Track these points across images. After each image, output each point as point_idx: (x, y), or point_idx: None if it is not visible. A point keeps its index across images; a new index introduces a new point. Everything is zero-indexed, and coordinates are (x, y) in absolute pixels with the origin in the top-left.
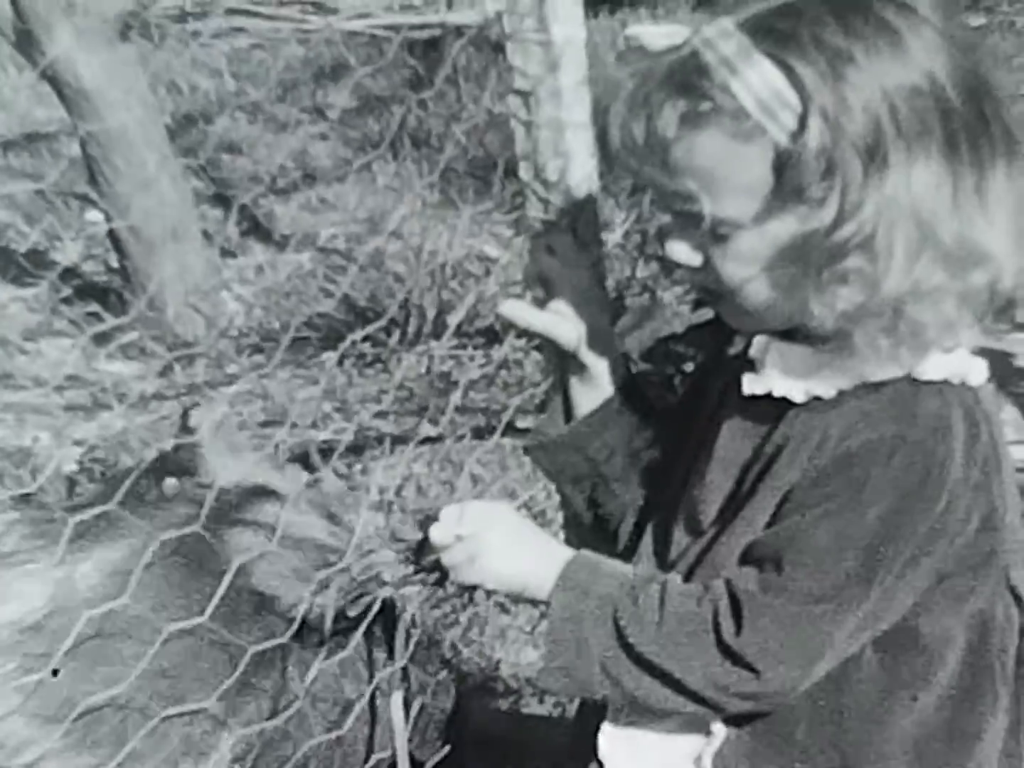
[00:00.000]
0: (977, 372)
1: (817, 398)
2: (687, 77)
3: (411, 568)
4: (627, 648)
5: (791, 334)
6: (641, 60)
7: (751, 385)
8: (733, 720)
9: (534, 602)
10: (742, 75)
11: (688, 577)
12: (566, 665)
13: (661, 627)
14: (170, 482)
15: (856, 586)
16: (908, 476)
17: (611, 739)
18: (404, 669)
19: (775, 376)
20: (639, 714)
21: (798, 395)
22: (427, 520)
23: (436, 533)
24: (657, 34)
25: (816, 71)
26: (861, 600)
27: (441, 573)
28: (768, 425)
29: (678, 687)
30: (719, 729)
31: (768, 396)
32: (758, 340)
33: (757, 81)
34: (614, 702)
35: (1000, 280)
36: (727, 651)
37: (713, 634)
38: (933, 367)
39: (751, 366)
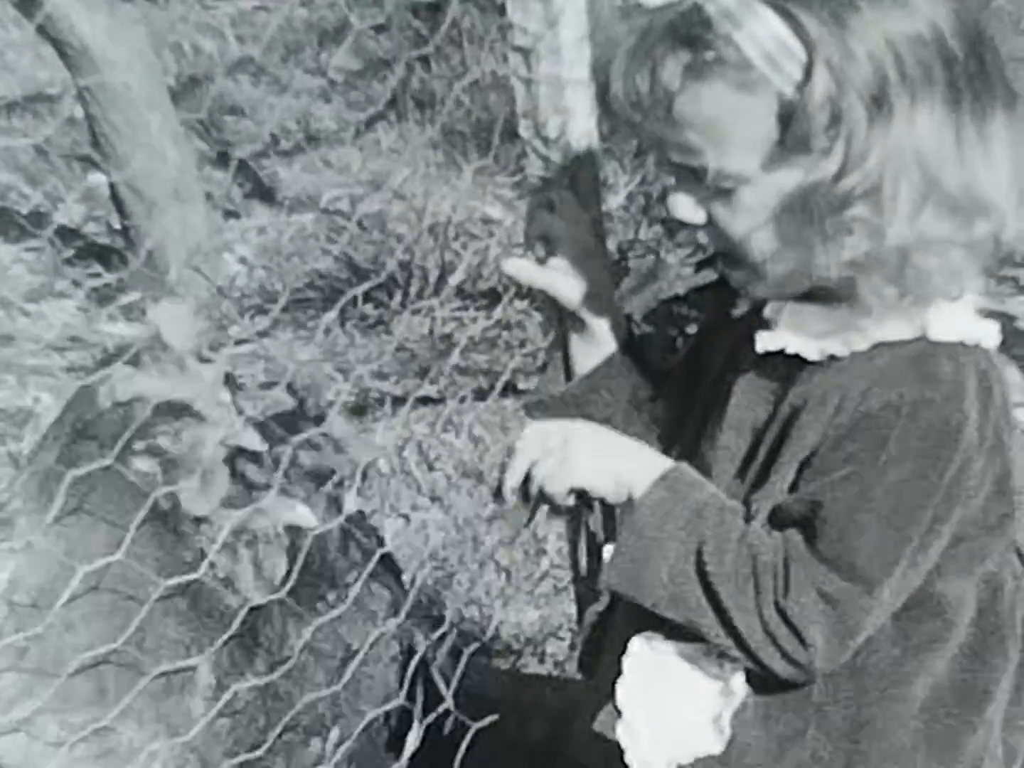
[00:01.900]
0: (990, 334)
1: (832, 357)
2: (690, 29)
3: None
4: (700, 568)
5: (805, 296)
6: (640, 16)
7: (765, 343)
8: (752, 679)
9: (624, 507)
10: (745, 26)
11: None
12: (637, 561)
13: (737, 560)
14: None
15: (886, 556)
16: (926, 438)
17: (629, 690)
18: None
19: (789, 334)
20: (671, 641)
21: (812, 353)
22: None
23: (522, 444)
24: None
25: (820, 20)
26: (892, 570)
27: (530, 509)
28: (781, 384)
29: (730, 626)
30: (739, 687)
31: (781, 354)
32: (773, 301)
33: (761, 31)
34: (659, 611)
35: (1003, 230)
36: (779, 609)
37: (772, 585)
38: (948, 328)
39: (764, 325)
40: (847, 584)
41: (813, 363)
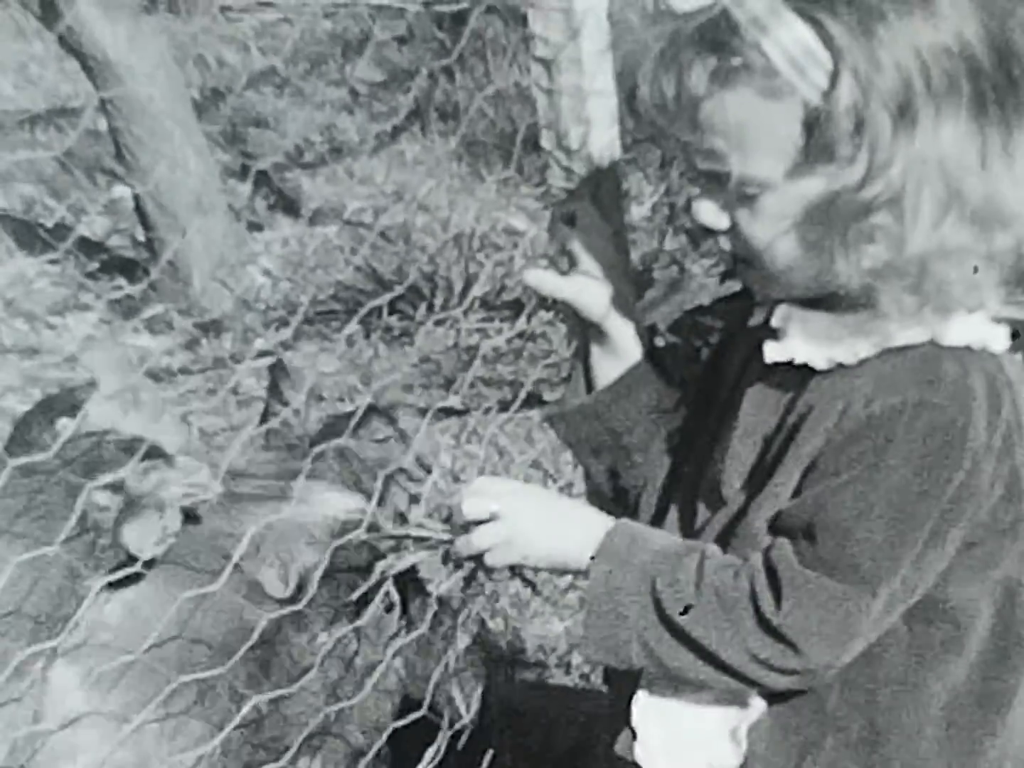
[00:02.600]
0: (999, 339)
1: (840, 365)
2: (717, 35)
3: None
4: (665, 620)
5: (815, 302)
6: (669, 21)
7: (773, 353)
8: (766, 691)
9: (575, 573)
10: (772, 32)
11: (720, 548)
12: (604, 636)
13: (699, 600)
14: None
15: (887, 558)
16: (930, 441)
17: (644, 709)
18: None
19: (797, 343)
20: (674, 685)
21: (820, 362)
22: (452, 512)
23: (468, 507)
24: None
25: (847, 28)
26: (893, 572)
27: (475, 563)
28: (791, 394)
29: (716, 661)
30: (754, 700)
31: (790, 364)
32: (781, 308)
33: (787, 38)
34: (650, 673)
35: None
36: (767, 626)
37: (752, 608)
38: (955, 333)
39: (773, 335)
40: (846, 586)
41: (821, 371)
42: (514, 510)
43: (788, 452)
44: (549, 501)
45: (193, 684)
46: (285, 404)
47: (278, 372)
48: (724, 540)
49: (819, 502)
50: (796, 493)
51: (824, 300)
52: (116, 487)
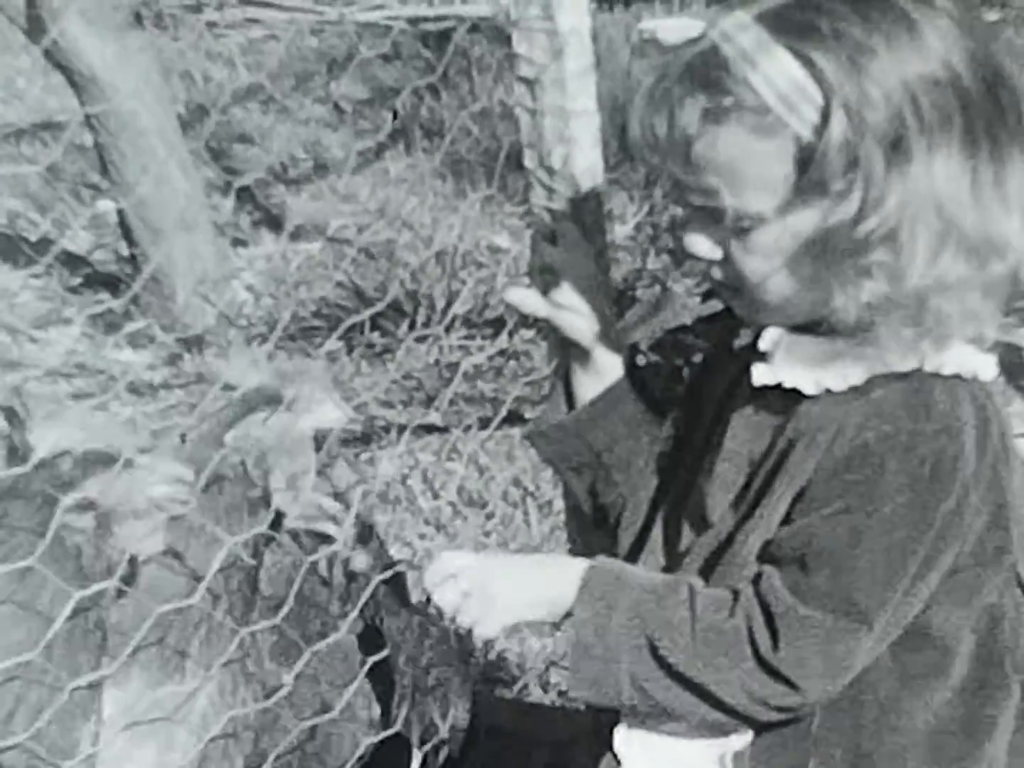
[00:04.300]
0: (988, 368)
1: (828, 390)
2: (707, 72)
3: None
4: (660, 661)
5: (805, 327)
6: (657, 54)
7: (761, 376)
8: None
9: (561, 619)
10: (762, 69)
11: (706, 574)
12: (595, 676)
13: (695, 640)
14: None
15: (881, 590)
16: (921, 471)
17: (627, 736)
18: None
19: (785, 367)
20: (657, 718)
21: (809, 386)
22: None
23: (430, 576)
24: (672, 28)
25: (837, 63)
26: (887, 604)
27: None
28: (778, 417)
29: (713, 700)
30: (740, 726)
31: (778, 388)
32: (770, 332)
33: (777, 75)
34: (639, 710)
35: (1021, 269)
36: (766, 667)
37: (749, 648)
38: (945, 362)
39: (761, 357)
40: (842, 621)
41: (810, 396)
42: (481, 566)
43: (777, 478)
44: (516, 556)
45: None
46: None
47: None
48: (711, 564)
49: (811, 531)
50: (786, 520)
51: (816, 325)
52: (85, 506)
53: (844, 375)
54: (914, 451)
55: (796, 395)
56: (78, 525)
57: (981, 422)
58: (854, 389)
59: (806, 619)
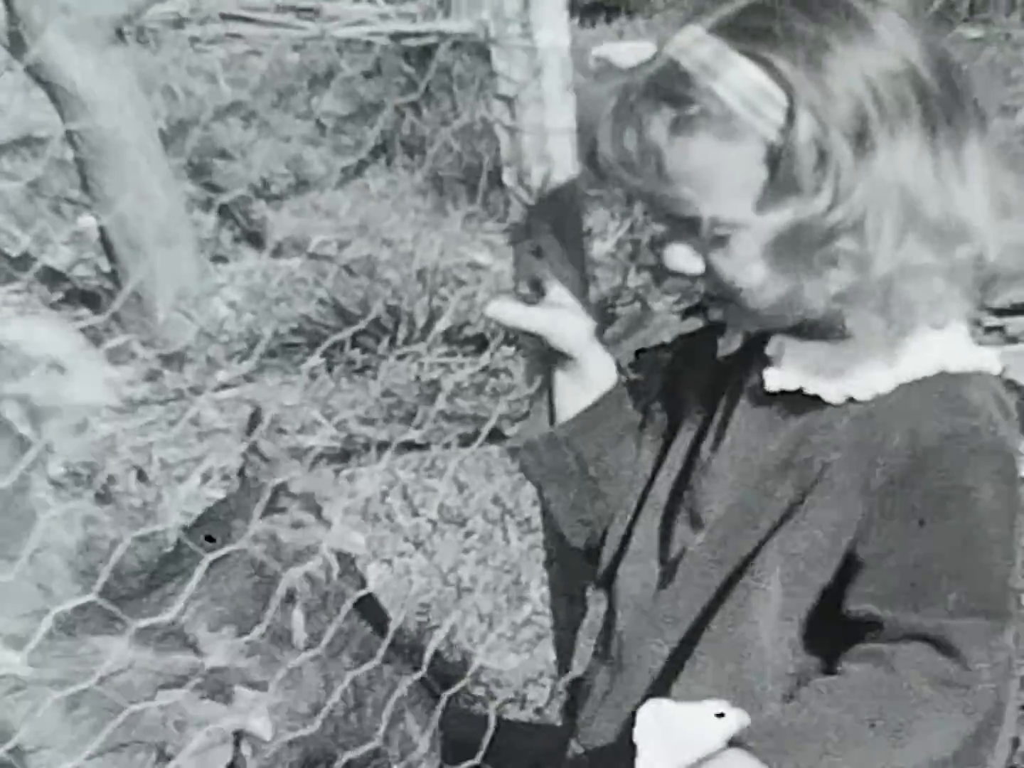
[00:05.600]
0: (995, 361)
1: (852, 399)
2: (671, 86)
3: None
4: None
5: (799, 330)
6: (616, 77)
7: (776, 381)
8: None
9: None
10: (723, 77)
11: (708, 584)
12: None
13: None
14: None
15: (1006, 583)
16: (994, 461)
17: (650, 763)
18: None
19: (796, 373)
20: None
21: (832, 395)
22: None
23: None
24: (624, 51)
25: (795, 64)
26: (1012, 594)
27: None
28: (787, 422)
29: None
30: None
31: (789, 393)
32: (775, 338)
33: (739, 81)
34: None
35: (984, 253)
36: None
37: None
38: (961, 360)
39: (767, 362)
40: (992, 620)
41: (830, 405)
42: None
43: (812, 491)
44: None
45: None
46: (264, 459)
47: (255, 421)
48: (708, 566)
49: (917, 552)
50: (836, 533)
51: (805, 329)
52: (22, 400)
53: (871, 385)
54: (976, 445)
55: (807, 401)
56: (10, 416)
57: (1003, 412)
58: (881, 398)
59: (958, 631)
